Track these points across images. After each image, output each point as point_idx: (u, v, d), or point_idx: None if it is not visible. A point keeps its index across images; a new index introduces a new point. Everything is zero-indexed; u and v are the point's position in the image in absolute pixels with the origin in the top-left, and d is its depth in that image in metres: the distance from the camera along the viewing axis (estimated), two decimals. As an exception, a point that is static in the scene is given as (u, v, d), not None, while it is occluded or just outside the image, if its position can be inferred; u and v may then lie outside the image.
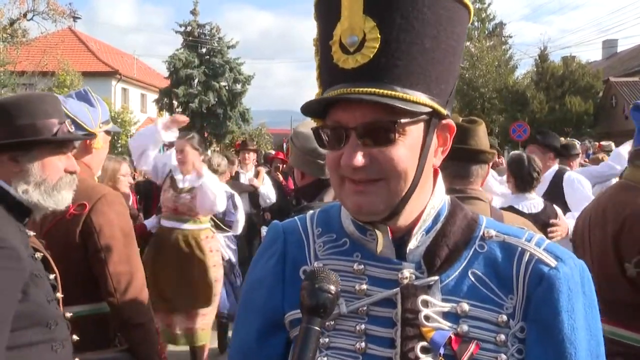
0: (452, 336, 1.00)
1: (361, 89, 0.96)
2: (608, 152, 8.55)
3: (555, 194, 4.52)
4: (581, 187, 4.55)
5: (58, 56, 24.59)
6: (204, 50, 33.43)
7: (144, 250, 4.64)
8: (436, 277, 1.04)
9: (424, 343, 1.00)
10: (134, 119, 30.92)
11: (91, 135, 2.63)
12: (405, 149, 0.99)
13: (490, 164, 2.54)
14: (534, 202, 3.81)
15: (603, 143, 10.07)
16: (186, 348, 5.02)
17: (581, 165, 6.82)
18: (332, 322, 1.05)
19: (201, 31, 33.69)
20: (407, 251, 1.06)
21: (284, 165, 9.37)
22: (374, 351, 1.02)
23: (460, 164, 2.36)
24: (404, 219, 1.06)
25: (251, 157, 7.64)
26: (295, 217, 1.22)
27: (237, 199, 5.72)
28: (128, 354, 2.47)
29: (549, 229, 3.61)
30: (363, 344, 1.03)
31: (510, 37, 35.18)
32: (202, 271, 4.72)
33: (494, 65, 29.75)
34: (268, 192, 7.16)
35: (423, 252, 1.06)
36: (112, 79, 33.40)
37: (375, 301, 1.04)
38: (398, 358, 1.01)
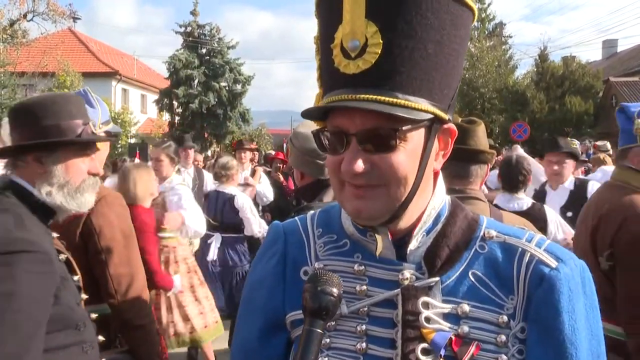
0: (453, 337, 1.00)
1: (362, 96, 0.95)
2: (604, 151, 8.56)
3: (579, 205, 4.40)
4: None
5: (58, 57, 24.59)
6: (204, 50, 33.44)
7: None
8: (437, 278, 1.04)
9: (425, 345, 1.00)
10: (134, 119, 30.94)
11: (114, 138, 2.63)
12: (405, 155, 0.98)
13: (490, 164, 2.55)
14: (519, 202, 3.82)
15: (598, 143, 10.05)
16: (185, 349, 5.01)
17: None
18: (333, 323, 1.05)
19: (201, 32, 33.69)
20: (408, 252, 1.06)
21: (284, 166, 9.36)
22: (375, 352, 1.02)
23: (459, 164, 2.37)
24: (403, 222, 1.05)
25: (247, 156, 7.61)
26: (296, 218, 1.22)
27: (238, 200, 5.65)
28: (129, 355, 2.47)
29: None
30: (364, 345, 1.03)
31: (510, 37, 35.20)
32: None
33: (494, 66, 29.73)
34: (265, 190, 7.12)
35: (423, 253, 1.06)
36: (112, 79, 33.40)
37: (376, 302, 1.04)
38: (399, 359, 1.01)
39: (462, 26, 1.01)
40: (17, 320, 1.60)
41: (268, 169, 9.12)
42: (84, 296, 2.01)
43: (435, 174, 1.10)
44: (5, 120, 2.08)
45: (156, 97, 34.17)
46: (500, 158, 5.97)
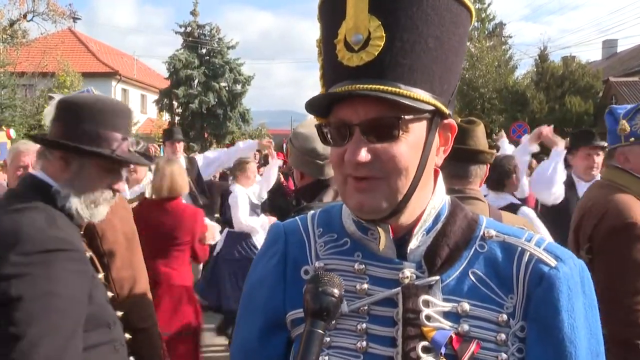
0: (453, 336, 1.00)
1: (366, 86, 0.97)
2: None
3: None
4: None
5: (58, 57, 24.56)
6: (204, 50, 33.46)
7: None
8: (437, 277, 1.04)
9: (425, 343, 1.01)
10: (134, 119, 30.89)
11: (148, 160, 2.35)
12: (407, 146, 0.99)
13: (489, 164, 2.55)
14: (501, 200, 3.86)
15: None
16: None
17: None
18: (334, 322, 1.05)
19: (201, 32, 33.71)
20: (408, 251, 1.07)
21: (284, 166, 9.37)
22: (375, 350, 1.03)
23: (458, 164, 2.38)
24: (405, 218, 1.06)
25: None
26: (296, 217, 1.22)
27: (232, 194, 5.88)
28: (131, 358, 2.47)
29: None
30: (364, 343, 1.03)
31: (510, 37, 35.15)
32: None
33: (494, 66, 29.70)
34: (260, 188, 7.19)
35: (424, 252, 1.06)
36: (112, 79, 33.39)
37: (376, 300, 1.05)
38: (399, 357, 1.01)
39: (461, 25, 1.04)
40: (58, 320, 1.58)
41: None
42: (110, 294, 1.98)
43: (436, 174, 1.12)
44: (52, 104, 2.01)
45: (156, 97, 34.18)
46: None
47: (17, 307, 1.54)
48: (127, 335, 1.98)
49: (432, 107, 1.01)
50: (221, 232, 5.66)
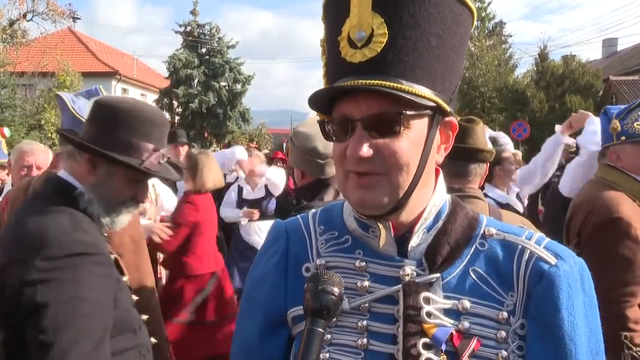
0: (454, 332, 1.01)
1: (368, 81, 0.98)
2: None
3: None
4: None
5: (58, 57, 24.54)
6: (203, 50, 33.46)
7: None
8: (437, 275, 1.05)
9: (426, 339, 1.01)
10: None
11: (180, 173, 2.23)
12: (408, 143, 1.00)
13: (489, 162, 2.56)
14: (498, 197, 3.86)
15: None
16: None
17: None
18: (335, 319, 1.06)
19: (201, 31, 33.72)
20: (409, 249, 1.07)
21: (284, 165, 9.37)
22: (376, 347, 1.03)
23: (458, 162, 2.38)
24: (406, 215, 1.07)
25: None
26: (298, 216, 1.23)
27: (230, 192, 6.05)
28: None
29: None
30: (365, 340, 1.04)
31: (510, 36, 35.13)
32: None
33: (494, 65, 29.69)
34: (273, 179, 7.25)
35: (424, 250, 1.07)
36: (112, 79, 33.36)
37: (377, 298, 1.05)
38: (400, 354, 1.01)
39: (462, 24, 1.05)
40: (85, 325, 1.55)
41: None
42: (135, 297, 1.95)
43: (437, 172, 1.12)
44: (90, 103, 1.96)
45: (156, 96, 34.17)
46: (519, 157, 5.88)
47: (44, 314, 1.51)
48: (153, 340, 1.95)
49: (433, 104, 1.01)
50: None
